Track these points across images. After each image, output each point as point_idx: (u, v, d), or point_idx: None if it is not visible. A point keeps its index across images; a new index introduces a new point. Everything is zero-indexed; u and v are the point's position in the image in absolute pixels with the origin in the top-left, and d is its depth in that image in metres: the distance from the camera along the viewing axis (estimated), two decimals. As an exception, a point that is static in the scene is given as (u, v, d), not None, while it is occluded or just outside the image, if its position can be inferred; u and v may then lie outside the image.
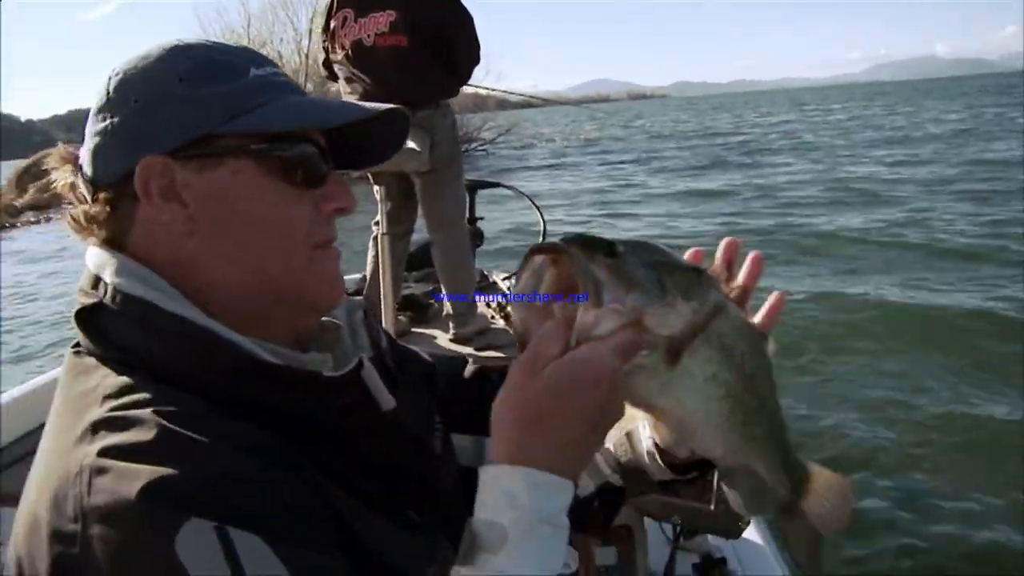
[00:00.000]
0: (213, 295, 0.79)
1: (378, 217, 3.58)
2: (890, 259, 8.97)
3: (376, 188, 3.36)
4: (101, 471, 0.63)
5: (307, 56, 23.73)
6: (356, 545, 0.70)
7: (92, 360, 0.75)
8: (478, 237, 4.08)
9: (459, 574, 0.65)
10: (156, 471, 0.62)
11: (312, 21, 22.83)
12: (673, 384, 0.71)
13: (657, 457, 0.90)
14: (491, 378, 1.09)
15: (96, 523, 0.61)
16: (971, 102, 49.33)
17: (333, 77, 3.73)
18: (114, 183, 0.78)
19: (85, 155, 0.80)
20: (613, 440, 0.94)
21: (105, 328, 0.76)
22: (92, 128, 0.80)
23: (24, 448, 1.77)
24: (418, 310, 3.79)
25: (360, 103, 0.86)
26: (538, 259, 0.71)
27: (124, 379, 0.71)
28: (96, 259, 0.80)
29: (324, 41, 3.64)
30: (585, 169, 23.59)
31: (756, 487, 0.80)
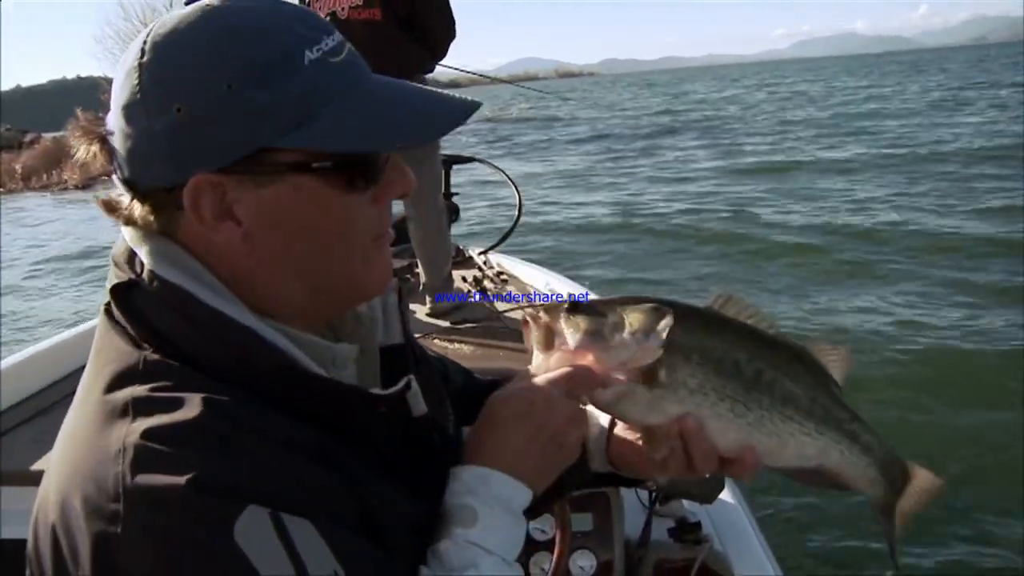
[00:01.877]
0: (266, 302, 0.75)
1: None
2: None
3: None
4: (145, 453, 0.62)
5: None
6: (384, 537, 0.71)
7: (127, 335, 0.72)
8: (454, 212, 4.06)
9: (437, 548, 0.74)
10: (205, 460, 0.62)
11: None
12: (660, 402, 0.79)
13: (604, 448, 0.94)
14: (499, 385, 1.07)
15: (143, 507, 0.61)
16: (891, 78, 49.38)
17: None
18: (156, 192, 0.72)
19: (117, 145, 0.72)
20: None
21: (140, 308, 0.72)
22: (123, 125, 0.71)
23: (19, 416, 1.76)
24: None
25: (437, 99, 0.79)
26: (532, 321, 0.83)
27: (163, 358, 0.69)
28: (136, 236, 0.75)
29: None
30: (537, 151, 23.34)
31: (857, 480, 0.84)
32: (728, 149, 19.04)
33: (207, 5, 0.71)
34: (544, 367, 0.81)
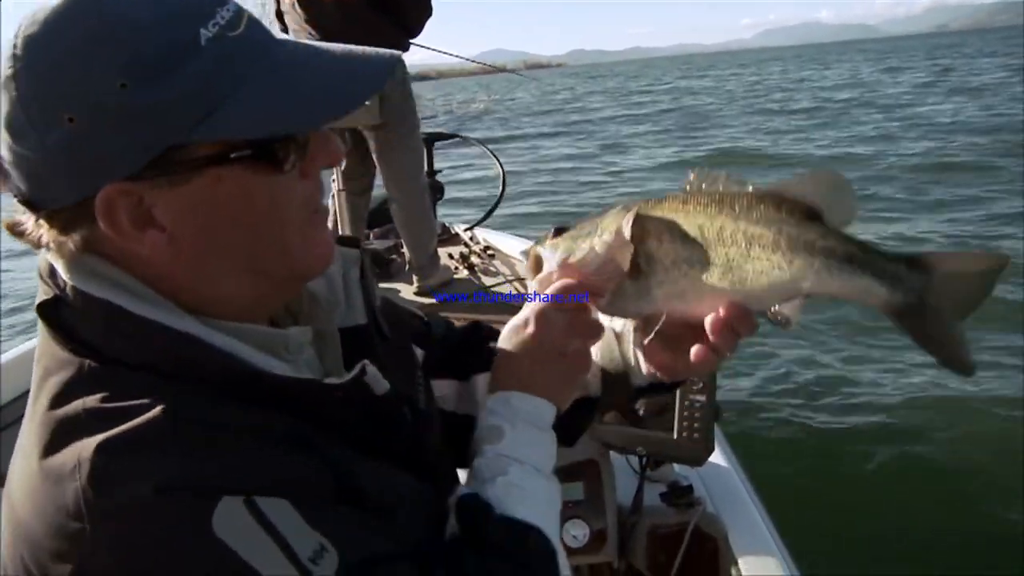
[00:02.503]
0: (209, 302, 0.71)
1: (334, 174, 3.55)
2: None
3: None
4: (104, 465, 0.59)
5: None
6: (363, 502, 0.69)
7: (66, 349, 0.68)
8: (438, 190, 4.04)
9: (473, 466, 0.82)
10: (168, 462, 0.60)
11: None
12: (648, 289, 0.82)
13: (641, 359, 0.92)
14: (481, 327, 1.05)
15: (111, 522, 0.58)
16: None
17: (285, 29, 3.65)
18: (61, 210, 0.66)
19: (8, 165, 0.66)
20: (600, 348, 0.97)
21: (69, 324, 0.69)
22: (11, 143, 0.64)
23: (20, 410, 1.71)
24: (381, 265, 3.77)
25: (354, 58, 0.73)
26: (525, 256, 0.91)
27: (107, 368, 0.66)
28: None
29: None
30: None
31: (851, 291, 0.79)
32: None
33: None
34: (538, 290, 0.87)
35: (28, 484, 0.64)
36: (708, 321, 0.79)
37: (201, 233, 0.68)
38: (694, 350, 0.82)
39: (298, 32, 3.48)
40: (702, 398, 1.55)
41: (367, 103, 3.14)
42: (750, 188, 0.80)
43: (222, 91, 0.64)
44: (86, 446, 0.60)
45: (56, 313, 0.70)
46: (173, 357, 0.67)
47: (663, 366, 0.90)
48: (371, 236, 4.05)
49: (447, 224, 4.11)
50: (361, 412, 0.74)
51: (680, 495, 1.72)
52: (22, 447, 0.68)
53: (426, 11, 3.46)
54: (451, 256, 3.64)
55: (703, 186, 0.81)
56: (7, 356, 2.18)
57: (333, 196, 3.57)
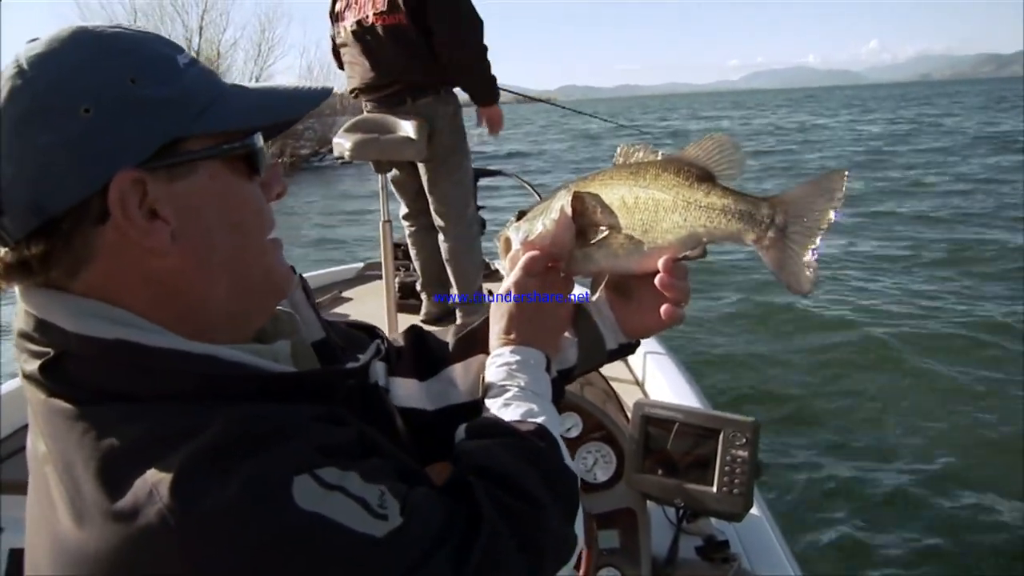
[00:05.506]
0: (197, 314, 0.75)
1: (402, 209, 3.77)
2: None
3: (380, 177, 3.34)
4: (183, 481, 0.62)
5: (198, 54, 22.69)
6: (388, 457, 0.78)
7: (73, 404, 0.69)
8: (481, 225, 4.07)
9: (481, 405, 0.92)
10: (242, 463, 0.64)
11: (202, 18, 22.04)
12: (591, 254, 0.99)
13: (613, 321, 1.07)
14: (418, 329, 1.13)
15: (205, 527, 0.61)
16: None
17: (341, 66, 3.70)
18: (68, 211, 0.68)
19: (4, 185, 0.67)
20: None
21: (80, 377, 0.70)
22: (17, 151, 0.66)
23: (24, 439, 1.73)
24: (420, 299, 3.83)
25: (287, 87, 0.83)
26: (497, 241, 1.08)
27: (138, 406, 0.68)
28: (39, 302, 0.71)
29: (331, 28, 3.63)
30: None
31: (731, 236, 0.95)
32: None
33: (73, 27, 0.71)
34: (509, 268, 1.02)
35: (83, 540, 0.63)
36: (657, 280, 0.94)
37: (199, 231, 0.73)
38: (661, 309, 0.97)
39: (353, 65, 3.53)
40: (744, 453, 1.53)
41: (413, 137, 3.18)
42: (660, 156, 0.98)
43: (211, 95, 0.74)
44: (155, 472, 0.62)
45: (63, 370, 0.70)
46: (198, 379, 0.70)
47: (639, 325, 1.05)
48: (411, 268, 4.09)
49: (487, 260, 4.13)
50: (359, 398, 0.87)
51: (716, 550, 1.70)
52: (51, 517, 0.67)
53: (461, 45, 3.44)
54: (490, 292, 3.65)
55: (628, 159, 0.99)
56: (6, 387, 2.15)
57: (407, 233, 3.81)
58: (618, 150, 1.01)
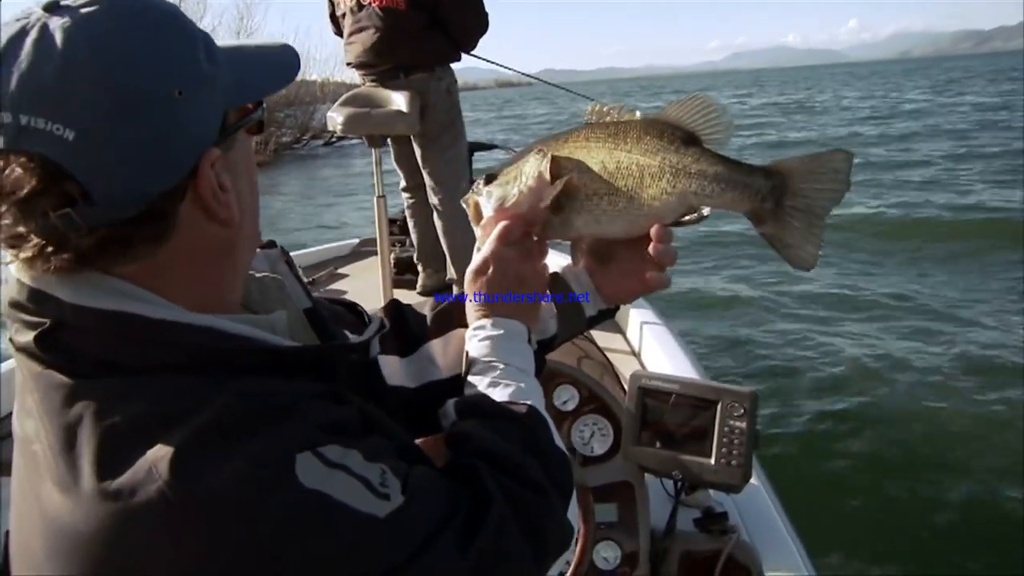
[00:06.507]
0: (232, 281, 0.79)
1: (401, 182, 3.77)
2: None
3: (374, 152, 3.33)
4: (184, 459, 0.61)
5: None
6: (387, 435, 0.77)
7: (70, 377, 0.67)
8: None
9: (465, 381, 0.91)
10: (245, 441, 0.63)
11: (179, 3, 22.04)
12: (569, 220, 0.96)
13: (592, 288, 1.05)
14: (398, 304, 1.12)
15: (206, 505, 0.60)
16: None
17: (339, 32, 3.69)
18: (163, 193, 0.68)
19: (87, 171, 0.63)
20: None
21: (78, 348, 0.68)
22: (116, 141, 0.64)
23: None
24: (415, 272, 3.83)
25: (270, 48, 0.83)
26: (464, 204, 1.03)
27: (137, 379, 0.67)
28: (35, 272, 0.69)
29: None
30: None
31: (724, 203, 0.93)
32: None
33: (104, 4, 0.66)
34: (483, 236, 0.97)
35: (79, 519, 0.62)
36: (651, 248, 0.94)
37: (242, 195, 0.76)
38: (647, 275, 0.96)
39: (350, 41, 3.51)
40: (742, 424, 1.52)
41: (405, 110, 3.16)
42: (638, 115, 0.94)
43: (236, 66, 0.74)
44: (155, 451, 0.61)
45: (58, 340, 0.68)
46: (200, 351, 0.69)
47: (619, 291, 1.03)
48: (407, 243, 4.07)
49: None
50: (359, 375, 0.87)
51: (715, 521, 1.69)
52: (42, 498, 0.65)
53: (479, 26, 3.46)
54: None
55: (601, 118, 0.95)
56: (5, 367, 2.14)
57: (406, 205, 3.82)
58: (589, 108, 0.97)
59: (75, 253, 0.66)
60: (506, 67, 4.66)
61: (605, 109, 0.96)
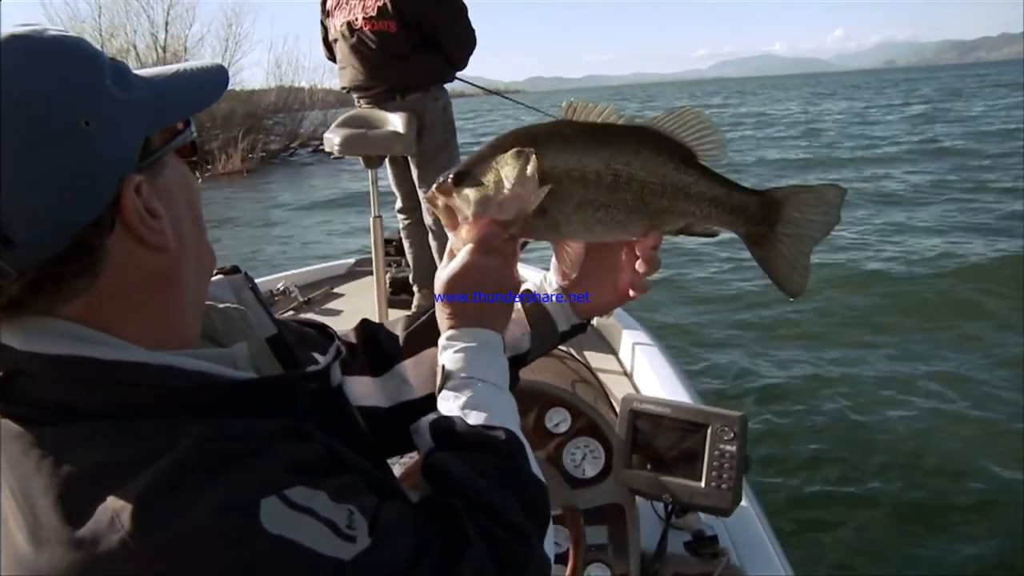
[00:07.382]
0: (180, 312, 0.77)
1: (398, 203, 3.79)
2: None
3: (370, 173, 3.35)
4: (145, 508, 0.60)
5: (164, 50, 22.12)
6: (353, 472, 0.75)
7: (30, 424, 0.66)
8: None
9: (439, 396, 0.88)
10: (206, 487, 0.62)
11: (167, 13, 21.51)
12: (556, 225, 0.92)
13: (565, 303, 1.04)
14: (370, 323, 1.12)
15: (167, 554, 0.60)
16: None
17: (332, 58, 3.73)
18: (87, 227, 0.67)
19: (11, 213, 0.63)
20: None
21: (32, 396, 0.68)
22: (25, 180, 0.63)
23: None
24: (410, 292, 3.84)
25: (197, 68, 0.82)
26: (432, 206, 0.95)
27: (94, 424, 0.66)
28: None
29: (323, 20, 3.67)
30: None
31: (720, 224, 0.95)
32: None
33: (7, 35, 0.66)
34: (460, 243, 0.93)
35: (43, 569, 0.61)
36: (643, 257, 0.94)
37: (176, 221, 0.74)
38: (629, 284, 0.96)
39: (344, 60, 3.55)
40: (732, 448, 1.53)
41: (402, 131, 3.19)
42: (618, 116, 0.91)
43: (154, 89, 0.74)
44: (115, 499, 0.60)
45: (13, 389, 0.68)
46: (158, 391, 0.69)
47: (594, 305, 1.02)
48: (403, 263, 4.09)
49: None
50: (321, 404, 0.84)
51: (705, 545, 1.70)
52: (16, 545, 0.64)
53: (468, 44, 3.51)
54: None
55: (577, 116, 0.91)
56: None
57: (401, 224, 3.83)
58: (564, 104, 0.92)
59: (8, 300, 0.66)
60: (497, 92, 4.73)
61: (581, 106, 0.92)
